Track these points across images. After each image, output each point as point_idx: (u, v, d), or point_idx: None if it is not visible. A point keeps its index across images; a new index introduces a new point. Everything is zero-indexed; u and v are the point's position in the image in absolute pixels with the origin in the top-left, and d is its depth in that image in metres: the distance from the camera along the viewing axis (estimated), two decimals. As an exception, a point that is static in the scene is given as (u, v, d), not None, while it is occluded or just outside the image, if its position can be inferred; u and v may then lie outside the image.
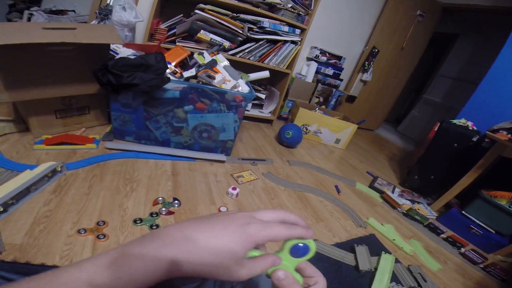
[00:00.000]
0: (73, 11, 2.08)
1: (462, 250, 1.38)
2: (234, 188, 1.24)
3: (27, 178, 0.94)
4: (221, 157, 1.51)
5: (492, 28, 3.39)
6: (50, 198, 0.93)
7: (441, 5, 3.08)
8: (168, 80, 1.21)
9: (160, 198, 1.08)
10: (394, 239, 1.28)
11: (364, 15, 2.78)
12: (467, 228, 1.49)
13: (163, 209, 1.03)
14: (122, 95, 1.25)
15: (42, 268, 0.70)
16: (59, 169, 1.06)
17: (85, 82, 1.32)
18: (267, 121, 2.43)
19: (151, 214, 0.99)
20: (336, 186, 1.63)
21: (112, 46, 1.48)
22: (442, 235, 1.46)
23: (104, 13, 1.64)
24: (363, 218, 1.38)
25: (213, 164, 1.47)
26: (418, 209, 1.61)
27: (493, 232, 1.45)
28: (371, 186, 1.79)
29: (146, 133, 1.42)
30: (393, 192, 1.78)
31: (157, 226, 0.95)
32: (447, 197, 1.67)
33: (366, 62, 2.89)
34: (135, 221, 0.94)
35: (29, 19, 2.10)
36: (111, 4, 1.68)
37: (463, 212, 1.54)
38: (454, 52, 3.92)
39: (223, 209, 1.13)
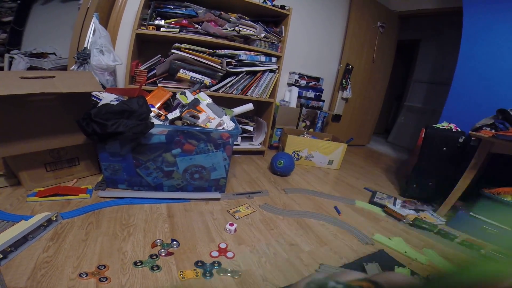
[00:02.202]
0: (54, 53, 2.09)
1: (483, 251, 1.33)
2: (231, 224, 1.21)
3: (23, 227, 0.96)
4: (216, 195, 1.48)
5: (449, 29, 3.61)
6: (48, 245, 0.95)
7: (397, 14, 3.29)
8: (152, 125, 1.22)
9: (158, 240, 1.07)
10: (405, 252, 1.23)
11: (331, 34, 2.92)
12: (481, 229, 1.45)
13: (162, 250, 1.02)
14: (109, 144, 1.25)
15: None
16: (55, 218, 1.08)
17: (71, 133, 1.33)
18: (259, 152, 2.43)
19: (151, 256, 0.98)
20: (335, 208, 1.60)
21: (95, 92, 1.48)
22: (457, 240, 1.41)
23: (83, 58, 1.64)
24: (369, 235, 1.34)
25: (209, 203, 1.44)
26: (424, 217, 1.57)
27: (509, 229, 1.40)
28: (371, 201, 1.77)
29: (138, 180, 1.40)
30: (394, 204, 1.75)
31: (158, 267, 0.93)
32: (451, 201, 1.64)
33: (343, 80, 2.98)
34: (135, 264, 0.93)
35: (10, 63, 2.11)
36: (88, 47, 1.68)
37: (471, 213, 1.50)
38: (420, 57, 4.13)
39: (222, 245, 1.10)
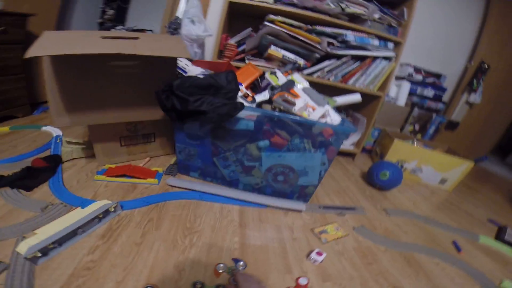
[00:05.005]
0: (151, 30, 2.14)
1: None
2: (319, 253, 0.91)
3: (76, 217, 0.83)
4: (299, 205, 1.19)
5: None
6: (96, 245, 0.80)
7: None
8: (242, 106, 0.97)
9: (221, 265, 0.81)
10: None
11: (463, 25, 2.27)
12: None
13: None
14: (188, 124, 1.06)
15: None
16: (113, 209, 0.92)
17: (151, 106, 1.18)
18: (348, 154, 2.03)
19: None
20: (454, 243, 1.19)
21: (181, 64, 1.34)
22: None
23: (174, 27, 1.61)
24: (495, 282, 0.99)
25: (288, 214, 1.16)
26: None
27: None
28: (500, 238, 1.32)
29: (212, 170, 1.21)
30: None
31: None
32: None
33: (475, 80, 2.31)
34: None
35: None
36: (180, 17, 1.64)
37: None
38: None
39: (302, 281, 0.81)
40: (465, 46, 2.35)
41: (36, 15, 1.49)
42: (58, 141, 1.32)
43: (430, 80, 2.20)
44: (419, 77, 2.16)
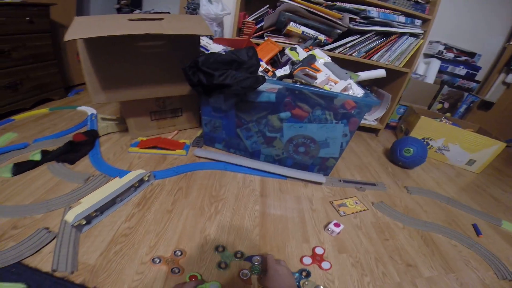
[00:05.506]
0: (168, 12, 2.16)
1: None
2: (337, 225, 0.94)
3: (115, 187, 0.90)
4: (319, 178, 1.21)
5: None
6: (132, 213, 0.88)
7: None
8: (264, 80, 1.00)
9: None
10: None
11: (498, 3, 2.07)
12: None
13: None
14: (214, 97, 1.12)
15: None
16: (147, 179, 1.00)
17: (177, 83, 1.25)
18: (371, 130, 2.01)
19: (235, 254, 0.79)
20: (474, 226, 1.17)
21: (203, 43, 1.38)
22: None
23: (192, 8, 1.64)
24: (511, 268, 0.94)
25: (308, 186, 1.20)
26: None
27: None
28: None
29: (236, 142, 1.28)
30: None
31: (226, 265, 0.75)
32: None
33: (515, 62, 2.15)
34: (219, 265, 0.74)
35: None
36: None
37: None
38: None
39: (319, 250, 0.85)
40: (503, 25, 2.17)
41: (56, 4, 1.57)
42: (93, 118, 1.44)
43: (462, 58, 2.08)
44: (450, 55, 2.05)
